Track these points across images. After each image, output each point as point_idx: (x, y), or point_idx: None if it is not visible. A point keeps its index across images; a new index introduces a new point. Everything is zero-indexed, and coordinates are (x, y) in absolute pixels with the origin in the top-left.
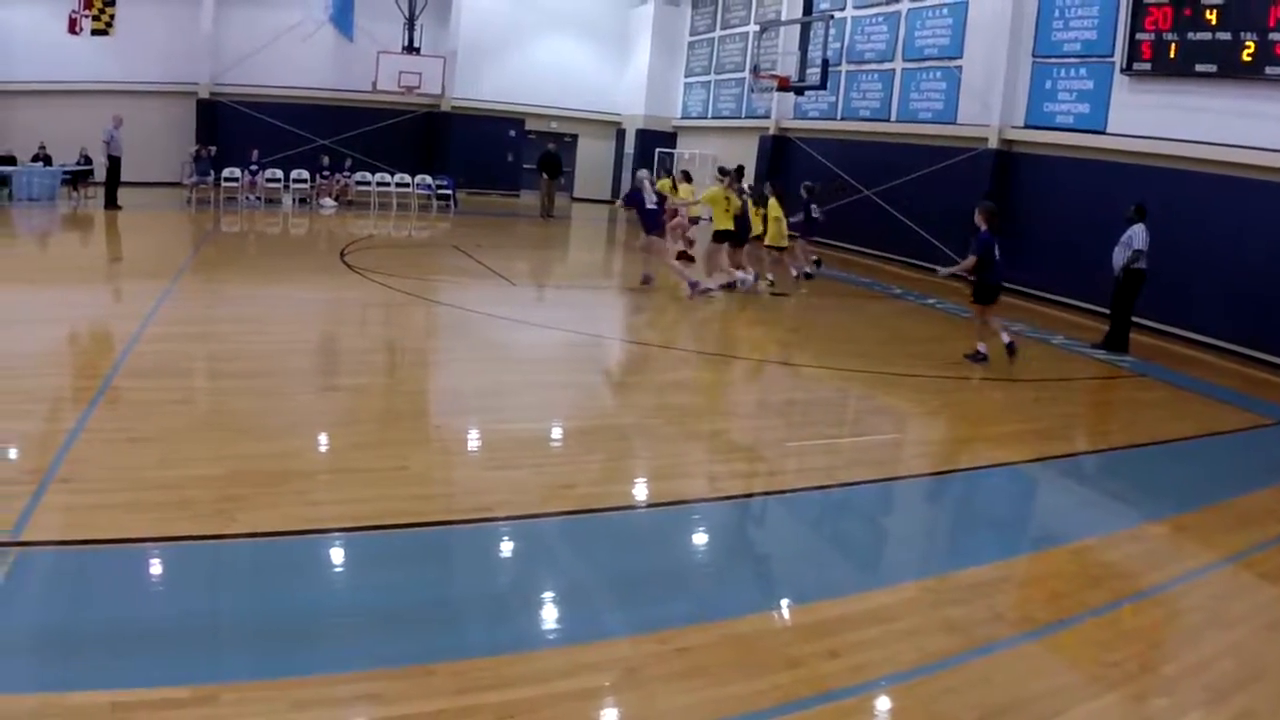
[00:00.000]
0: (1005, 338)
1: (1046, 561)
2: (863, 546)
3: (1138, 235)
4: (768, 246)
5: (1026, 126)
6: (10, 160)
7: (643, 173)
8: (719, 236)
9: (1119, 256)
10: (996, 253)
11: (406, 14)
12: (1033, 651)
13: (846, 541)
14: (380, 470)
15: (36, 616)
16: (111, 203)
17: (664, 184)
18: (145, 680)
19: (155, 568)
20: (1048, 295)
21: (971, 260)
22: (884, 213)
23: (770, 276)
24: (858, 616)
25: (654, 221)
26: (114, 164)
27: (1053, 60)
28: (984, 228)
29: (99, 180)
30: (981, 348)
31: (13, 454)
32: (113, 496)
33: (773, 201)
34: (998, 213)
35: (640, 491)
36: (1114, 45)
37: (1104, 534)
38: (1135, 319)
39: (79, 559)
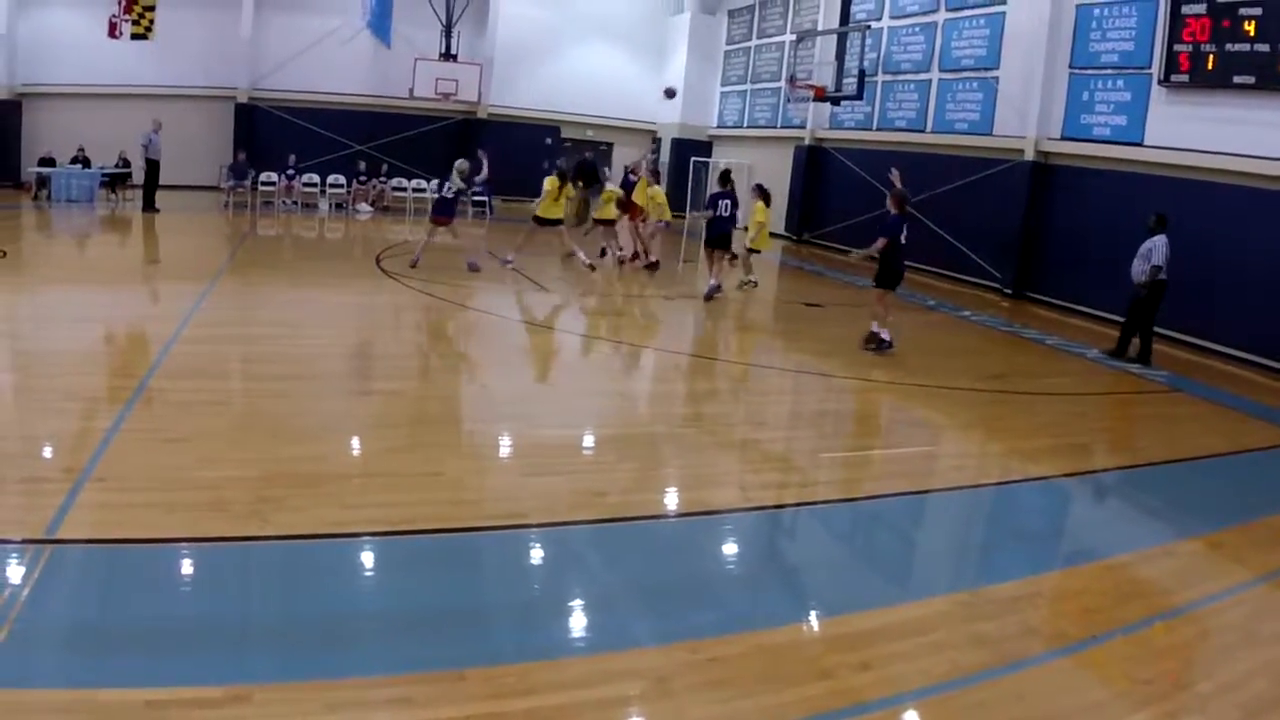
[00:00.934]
0: (878, 329)
1: (1079, 577)
2: (894, 559)
3: (1158, 248)
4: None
5: (1063, 138)
6: (50, 162)
7: (460, 162)
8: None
9: (1138, 268)
10: (904, 238)
11: (444, 21)
12: (1064, 667)
13: (878, 554)
14: (413, 475)
15: (71, 613)
16: (149, 205)
17: (634, 193)
18: (179, 679)
19: (189, 568)
20: (1083, 309)
21: (882, 242)
22: (919, 224)
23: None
24: (889, 629)
25: (444, 209)
26: (152, 167)
27: (1090, 72)
28: (894, 212)
29: (137, 183)
30: (885, 334)
31: (50, 453)
32: (148, 496)
33: (760, 205)
34: (909, 199)
35: (671, 500)
36: (1151, 57)
37: (1137, 550)
38: (1165, 332)
39: (114, 557)
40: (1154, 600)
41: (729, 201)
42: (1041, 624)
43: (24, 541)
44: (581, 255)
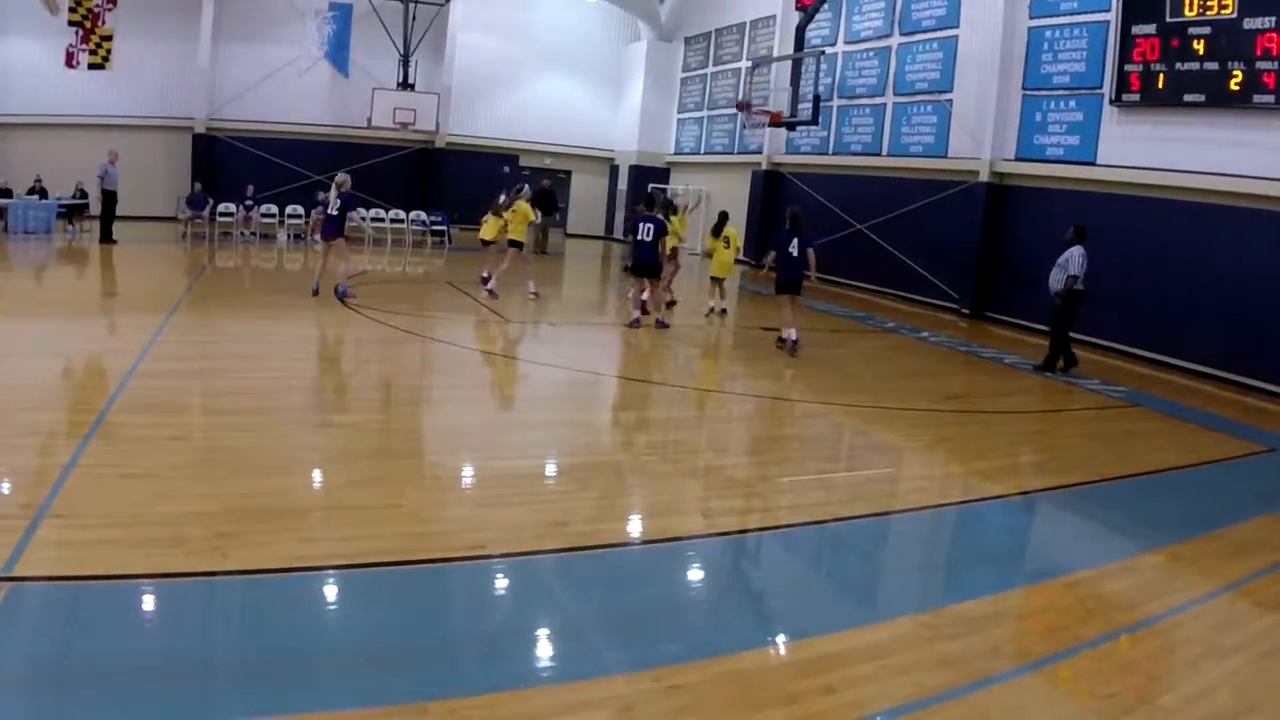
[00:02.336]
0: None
1: (1042, 594)
2: (858, 582)
3: (1075, 258)
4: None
5: (1017, 159)
6: (6, 193)
7: (340, 176)
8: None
9: (1056, 279)
10: (793, 250)
11: (401, 51)
12: (1030, 685)
13: (842, 577)
14: (374, 508)
15: (29, 653)
16: (107, 237)
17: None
18: (138, 718)
19: (149, 604)
20: (1040, 327)
21: (772, 255)
22: (877, 246)
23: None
24: (853, 652)
25: (330, 226)
26: (109, 198)
27: (1042, 93)
28: (786, 228)
29: (95, 214)
30: (789, 334)
31: (6, 488)
32: (106, 532)
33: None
34: (800, 217)
35: (635, 528)
36: (1103, 77)
37: (1099, 566)
38: (1122, 348)
39: (72, 595)
40: (1117, 615)
41: (650, 225)
42: (1005, 642)
43: None
44: (530, 285)
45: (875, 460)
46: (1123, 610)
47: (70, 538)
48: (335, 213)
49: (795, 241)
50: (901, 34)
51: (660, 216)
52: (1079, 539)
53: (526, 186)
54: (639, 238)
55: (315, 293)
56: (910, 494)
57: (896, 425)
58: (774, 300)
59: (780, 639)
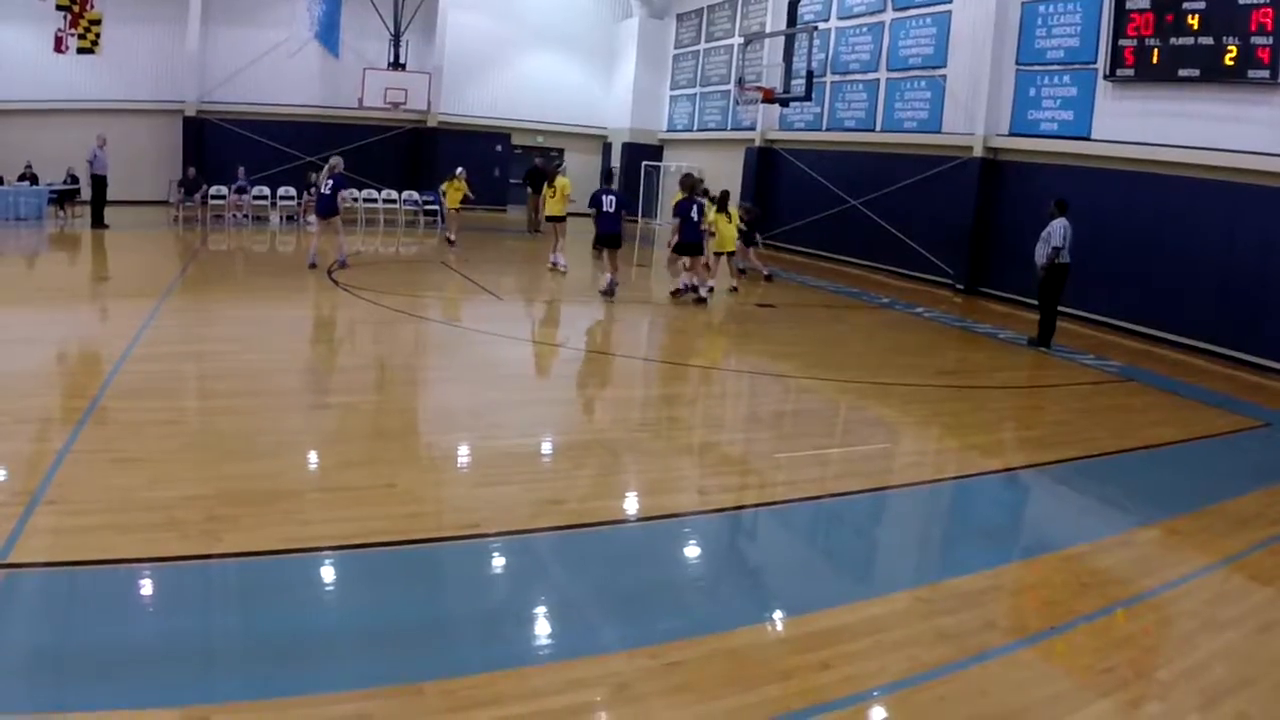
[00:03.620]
0: (684, 282)
1: (1038, 569)
2: (854, 557)
3: (1057, 230)
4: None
5: (1011, 134)
6: None
7: (333, 159)
8: None
9: (1040, 252)
10: (694, 215)
11: (392, 31)
12: (1026, 659)
13: (838, 552)
14: (369, 488)
15: (24, 638)
16: (98, 222)
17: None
18: (135, 702)
19: (144, 589)
20: (1034, 302)
21: (677, 221)
22: (871, 222)
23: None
24: (850, 628)
25: (323, 205)
26: (99, 183)
27: (1036, 68)
28: (682, 197)
29: (86, 200)
30: (691, 282)
31: (0, 475)
32: (101, 517)
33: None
34: (696, 184)
35: (630, 506)
36: (1097, 52)
37: (1095, 540)
38: (1116, 322)
39: (67, 580)
40: (1113, 589)
41: (612, 198)
42: (1002, 617)
43: None
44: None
45: (870, 436)
46: (1119, 585)
47: (64, 523)
48: (328, 192)
49: (612, 198)
50: (895, 9)
51: (616, 191)
52: (1074, 514)
53: (566, 164)
54: (603, 210)
55: (312, 265)
56: (905, 469)
57: (891, 401)
58: (680, 260)
59: (776, 615)
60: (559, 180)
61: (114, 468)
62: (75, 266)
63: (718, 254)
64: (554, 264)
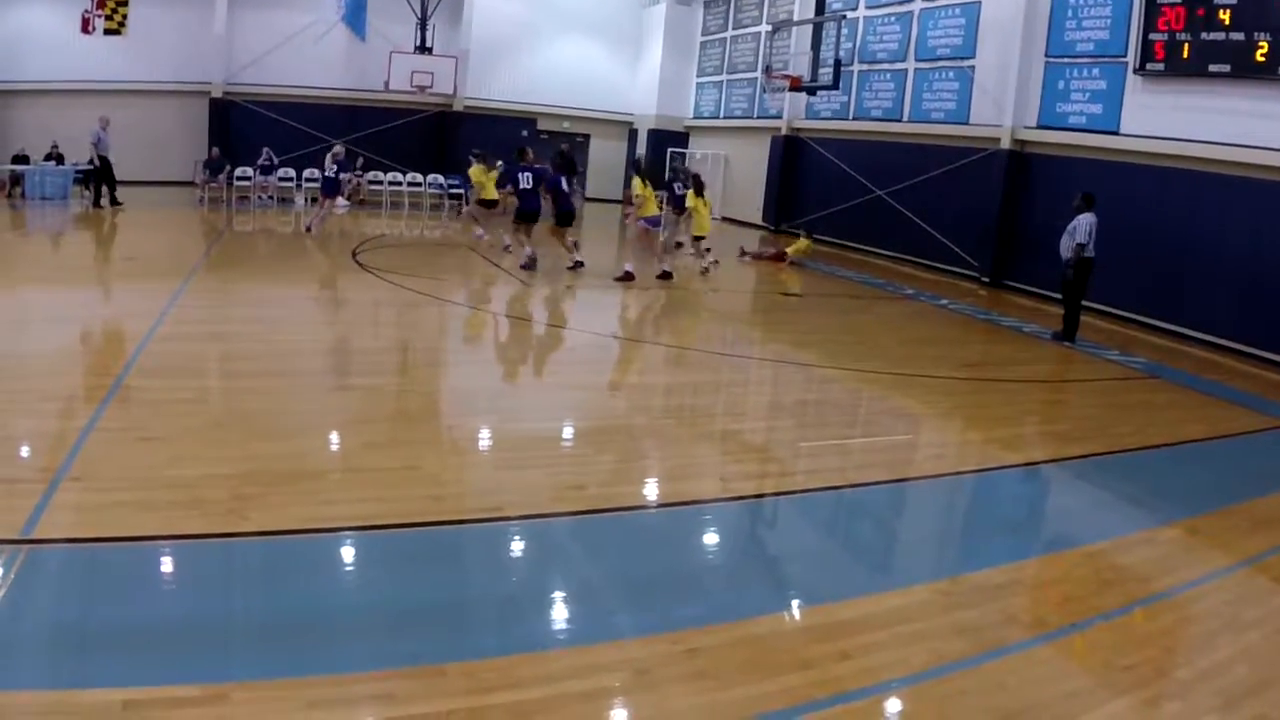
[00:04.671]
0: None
1: (1059, 564)
2: (875, 548)
3: (1082, 225)
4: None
5: (1039, 127)
6: (23, 159)
7: (336, 147)
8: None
9: (1065, 246)
10: (565, 187)
11: (419, 14)
12: (1045, 655)
13: (858, 543)
14: (392, 470)
15: (48, 614)
16: (113, 201)
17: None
18: (157, 679)
19: (166, 566)
20: (1060, 296)
21: (510, 189)
22: (897, 213)
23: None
24: (870, 618)
25: (328, 187)
26: (105, 164)
27: (1065, 60)
28: (554, 172)
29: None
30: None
31: (25, 452)
32: (124, 495)
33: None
34: (564, 155)
35: (651, 492)
36: (1127, 45)
37: (1117, 537)
38: (1142, 319)
39: (91, 557)
40: (1134, 587)
41: (529, 174)
42: (1022, 612)
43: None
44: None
45: (892, 426)
46: (1139, 582)
47: (89, 500)
48: (332, 175)
49: (528, 175)
50: None
51: (540, 166)
52: (1096, 509)
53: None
54: (520, 187)
55: (308, 229)
56: (927, 461)
57: (914, 392)
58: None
59: (797, 604)
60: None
61: (138, 446)
62: (101, 246)
63: (697, 238)
64: (476, 237)
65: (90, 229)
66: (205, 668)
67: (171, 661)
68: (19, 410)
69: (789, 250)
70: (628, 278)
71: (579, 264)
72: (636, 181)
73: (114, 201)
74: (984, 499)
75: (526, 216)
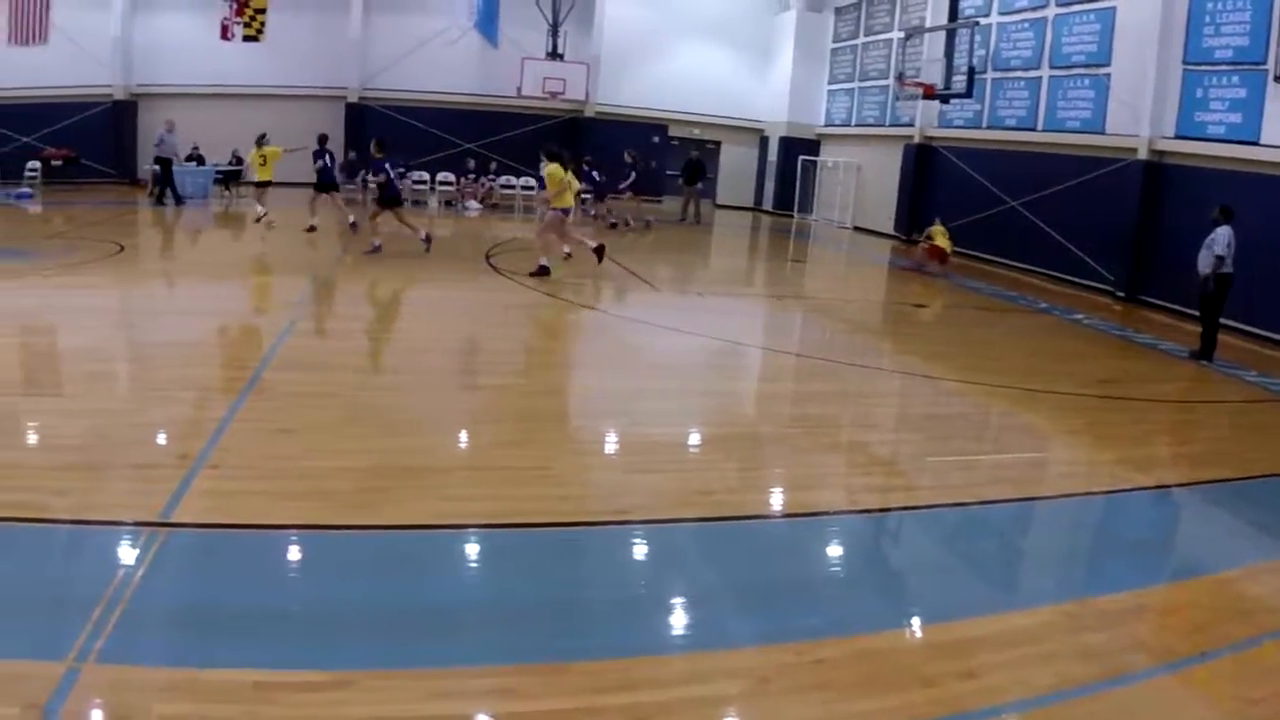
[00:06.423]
0: (366, 230)
1: (1188, 591)
2: (1000, 566)
3: (1221, 238)
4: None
5: (1177, 137)
6: (167, 160)
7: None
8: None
9: (1203, 260)
10: (389, 173)
11: (550, 21)
12: (1171, 684)
13: (983, 560)
14: (519, 469)
15: (183, 595)
16: (160, 200)
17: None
18: (285, 663)
19: (297, 554)
20: (1198, 313)
21: (382, 176)
22: (1030, 224)
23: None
24: (994, 637)
25: (325, 179)
26: (165, 165)
27: (1204, 68)
28: (379, 156)
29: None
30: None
31: (165, 439)
32: (259, 484)
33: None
34: (385, 143)
35: (776, 501)
36: (1267, 52)
37: (1249, 565)
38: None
39: (225, 542)
40: (1264, 618)
41: (388, 164)
42: (1149, 638)
43: (139, 524)
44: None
45: (1020, 443)
46: (1270, 613)
47: (225, 487)
48: (327, 167)
49: (388, 165)
50: (1057, 4)
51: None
52: (1227, 536)
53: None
54: (389, 177)
55: (353, 226)
56: (1055, 479)
57: (1043, 408)
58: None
59: (919, 620)
60: (270, 149)
61: (273, 437)
62: (240, 244)
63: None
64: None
65: (229, 227)
66: (332, 654)
67: (300, 647)
68: (161, 399)
69: (938, 243)
70: (542, 272)
71: (376, 247)
72: (554, 168)
73: (177, 200)
74: (1112, 520)
75: (389, 202)
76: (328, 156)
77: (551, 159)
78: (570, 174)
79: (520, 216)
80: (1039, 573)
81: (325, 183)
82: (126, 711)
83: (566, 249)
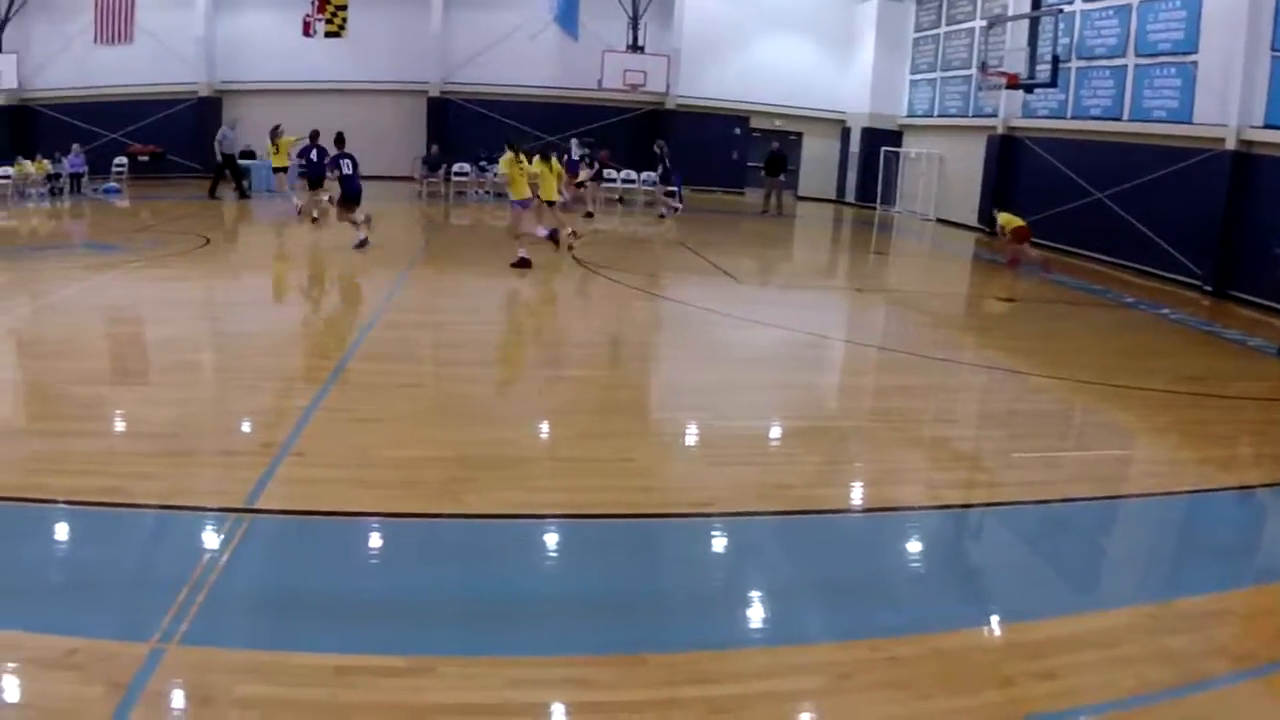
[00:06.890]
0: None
1: (1272, 595)
2: (1081, 566)
3: None
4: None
5: (1266, 126)
6: (250, 155)
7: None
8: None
9: None
10: (345, 169)
11: (630, 13)
12: (1253, 690)
13: (1064, 560)
14: (600, 460)
15: (266, 580)
16: (212, 193)
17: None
18: (366, 648)
19: (379, 541)
20: None
21: (336, 173)
22: (1116, 216)
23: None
24: (1073, 638)
25: (314, 172)
26: (227, 160)
27: None
28: (334, 152)
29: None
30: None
31: (251, 428)
32: (343, 472)
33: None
34: (342, 138)
35: (857, 496)
36: None
37: None
38: None
39: (309, 528)
40: None
41: (349, 160)
42: (1230, 642)
43: (225, 510)
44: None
45: (1105, 440)
46: None
47: (309, 475)
48: (315, 159)
49: (348, 161)
50: None
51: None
52: None
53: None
54: (344, 173)
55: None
56: (1139, 478)
57: (1129, 405)
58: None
59: (998, 619)
60: (283, 140)
61: (357, 426)
62: (323, 237)
63: (548, 204)
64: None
65: (311, 221)
66: (412, 640)
67: (380, 632)
68: (246, 389)
69: (1009, 230)
70: (523, 264)
71: (365, 241)
72: (505, 158)
73: (241, 194)
74: (1196, 521)
75: (353, 199)
76: (314, 151)
77: (510, 149)
78: (543, 164)
79: (601, 209)
80: (1120, 573)
81: (315, 178)
82: (209, 692)
83: (542, 231)
